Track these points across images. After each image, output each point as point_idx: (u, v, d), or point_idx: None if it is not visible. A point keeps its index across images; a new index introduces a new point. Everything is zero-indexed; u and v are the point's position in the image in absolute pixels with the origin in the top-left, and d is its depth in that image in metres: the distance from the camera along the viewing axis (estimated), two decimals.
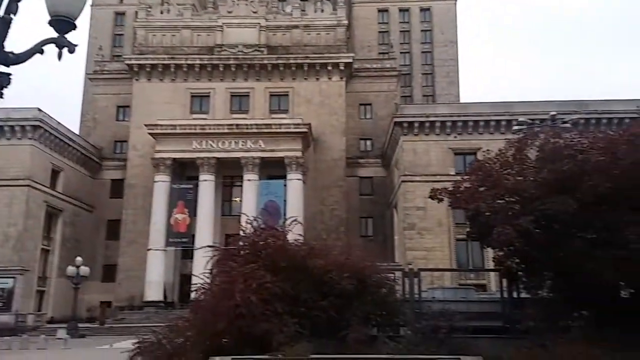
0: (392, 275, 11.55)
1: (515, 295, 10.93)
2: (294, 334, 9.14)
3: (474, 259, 36.92)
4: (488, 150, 10.56)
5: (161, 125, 44.18)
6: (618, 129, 9.08)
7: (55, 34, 5.66)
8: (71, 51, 5.88)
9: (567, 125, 21.55)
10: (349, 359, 8.77)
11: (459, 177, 11.17)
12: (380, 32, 66.54)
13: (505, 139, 17.53)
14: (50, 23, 5.71)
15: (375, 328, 10.55)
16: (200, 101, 49.62)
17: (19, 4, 5.68)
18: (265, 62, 48.95)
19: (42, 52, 5.84)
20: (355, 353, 9.02)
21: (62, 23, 5.69)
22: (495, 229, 8.47)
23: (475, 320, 10.63)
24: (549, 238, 8.51)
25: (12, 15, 5.66)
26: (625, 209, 8.18)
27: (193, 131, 44.04)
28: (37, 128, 42.83)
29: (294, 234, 11.80)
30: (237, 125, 44.45)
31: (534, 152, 9.53)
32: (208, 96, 49.66)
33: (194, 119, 47.28)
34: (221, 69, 49.07)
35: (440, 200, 10.35)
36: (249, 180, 43.76)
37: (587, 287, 8.71)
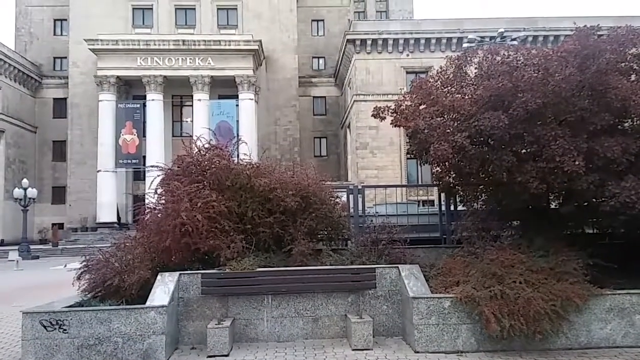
0: (339, 192, 11.84)
1: (452, 208, 11.46)
2: (240, 250, 9.38)
3: (422, 176, 38.14)
4: (440, 67, 10.61)
5: (102, 40, 41.90)
6: (554, 46, 9.32)
7: None
8: None
9: (515, 42, 21.80)
10: (293, 271, 9.15)
11: (406, 92, 11.24)
12: None
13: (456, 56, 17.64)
14: None
15: (321, 242, 10.91)
16: (142, 14, 46.91)
17: None
18: None
19: None
20: (300, 265, 9.40)
21: None
22: (432, 145, 8.72)
23: (415, 233, 11.15)
24: (483, 153, 8.85)
25: None
26: (553, 124, 8.53)
27: (137, 47, 42.03)
28: None
29: (245, 154, 11.79)
30: (183, 41, 42.66)
31: (474, 69, 9.66)
32: (151, 9, 46.98)
33: (137, 33, 44.91)
34: None
35: (383, 118, 10.48)
36: (199, 100, 42.77)
37: (517, 199, 9.22)
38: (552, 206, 10.15)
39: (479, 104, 8.90)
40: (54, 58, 51.09)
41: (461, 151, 8.68)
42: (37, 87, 50.11)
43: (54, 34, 51.57)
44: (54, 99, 50.00)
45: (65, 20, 49.04)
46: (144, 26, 46.63)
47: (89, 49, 42.28)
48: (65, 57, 48.46)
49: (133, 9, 46.86)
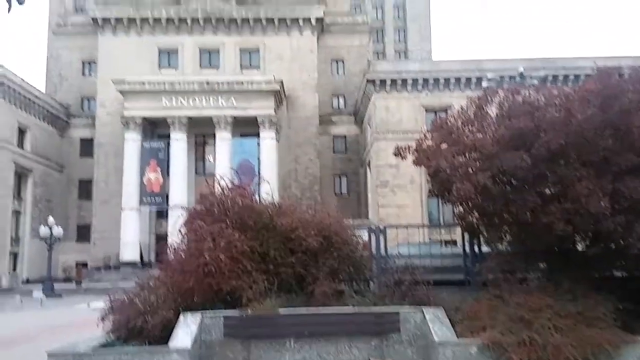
0: (360, 231, 11.80)
1: (476, 249, 11.29)
2: (262, 290, 9.35)
3: (444, 216, 37.75)
4: (461, 107, 10.69)
5: (129, 82, 43.20)
6: (574, 86, 9.36)
7: None
8: (20, 2, 5.60)
9: (535, 82, 21.80)
10: (315, 312, 9.05)
11: (427, 131, 11.32)
12: None
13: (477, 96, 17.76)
14: None
15: (343, 283, 10.80)
16: (168, 56, 48.44)
17: None
18: (235, 15, 47.77)
19: None
20: (322, 306, 9.31)
21: None
22: (455, 185, 8.70)
23: (439, 274, 10.97)
24: (506, 193, 8.80)
25: None
26: (577, 164, 8.47)
27: (162, 88, 43.20)
28: (0, 85, 41.51)
29: (267, 193, 11.89)
30: (207, 82, 43.71)
31: (495, 109, 9.71)
32: (176, 51, 48.51)
33: (163, 75, 46.26)
34: (189, 22, 47.82)
35: (404, 157, 10.54)
36: (222, 139, 43.46)
37: (543, 241, 9.08)
38: (579, 248, 9.96)
39: (500, 143, 8.92)
40: (82, 98, 52.60)
41: (484, 191, 8.65)
42: (65, 126, 51.50)
43: (83, 75, 53.18)
44: (81, 138, 51.27)
45: (94, 62, 50.71)
46: (169, 67, 48.05)
47: (117, 90, 43.57)
48: (93, 98, 49.92)
49: (159, 51, 48.40)
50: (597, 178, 8.23)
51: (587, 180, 8.14)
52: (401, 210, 38.89)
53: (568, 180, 8.29)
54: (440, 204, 35.43)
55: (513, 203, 8.82)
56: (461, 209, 9.99)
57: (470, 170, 9.04)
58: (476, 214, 9.92)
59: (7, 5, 5.60)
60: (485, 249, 11.09)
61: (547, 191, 8.94)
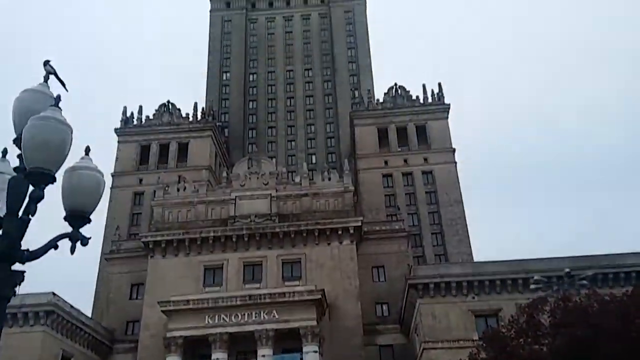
0: None
1: None
2: None
3: None
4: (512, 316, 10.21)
5: (174, 301, 43.94)
6: (626, 290, 8.92)
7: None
8: (84, 244, 5.98)
9: (584, 282, 20.97)
10: None
11: (480, 344, 10.68)
12: (386, 195, 68.85)
13: (527, 298, 17.25)
14: (66, 219, 5.85)
15: None
16: (213, 273, 50.02)
17: (38, 205, 5.86)
18: (277, 230, 50.30)
19: (56, 247, 5.89)
20: None
21: (78, 219, 5.82)
22: None
23: None
24: None
25: (30, 216, 5.80)
26: None
27: (206, 306, 43.75)
28: (51, 313, 42.33)
29: None
30: (250, 296, 44.17)
31: (547, 317, 9.27)
32: (221, 268, 50.15)
33: (207, 292, 47.10)
34: (234, 239, 50.27)
35: None
36: (263, 355, 41.98)
37: None
38: None
39: (558, 354, 8.31)
40: (127, 322, 52.09)
41: None
42: (107, 352, 50.41)
43: (130, 298, 53.56)
44: None
45: (142, 284, 51.81)
46: (214, 284, 48.88)
47: (161, 310, 43.85)
48: (138, 321, 49.77)
49: (205, 269, 49.83)
50: None
51: None
52: None
53: None
54: None
55: None
56: None
57: None
58: None
59: (70, 244, 5.97)
60: None
61: None
